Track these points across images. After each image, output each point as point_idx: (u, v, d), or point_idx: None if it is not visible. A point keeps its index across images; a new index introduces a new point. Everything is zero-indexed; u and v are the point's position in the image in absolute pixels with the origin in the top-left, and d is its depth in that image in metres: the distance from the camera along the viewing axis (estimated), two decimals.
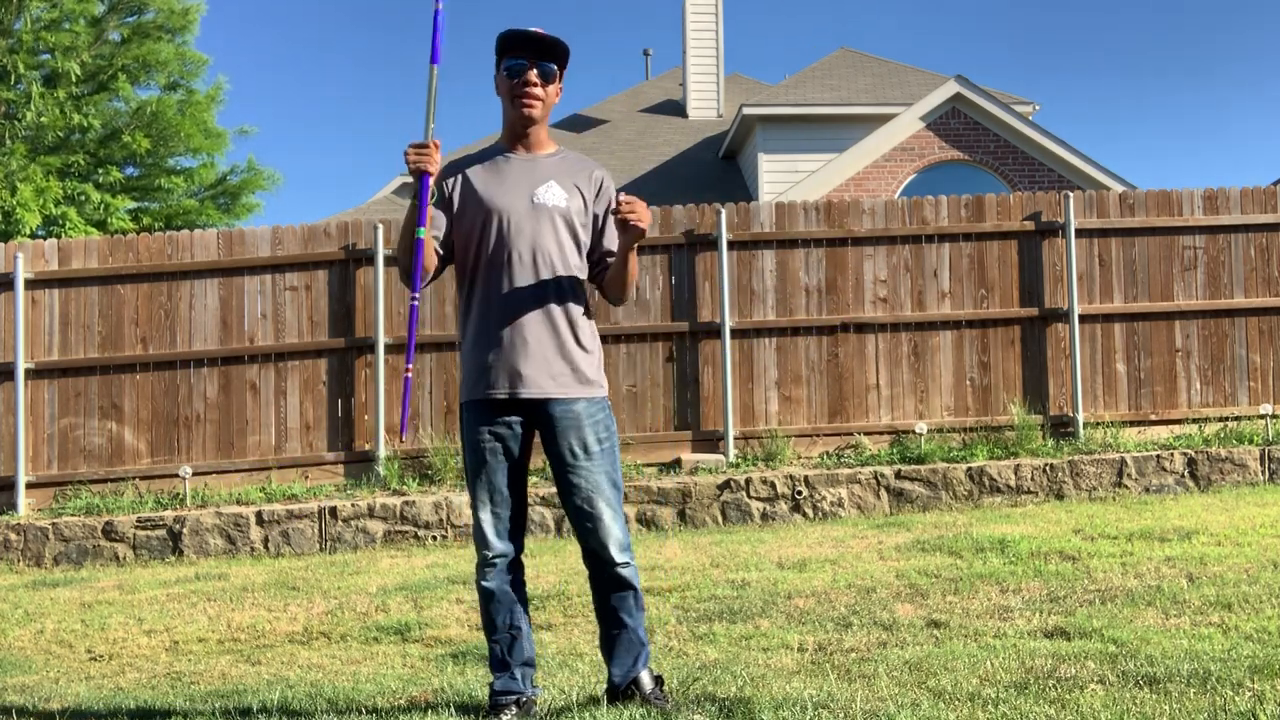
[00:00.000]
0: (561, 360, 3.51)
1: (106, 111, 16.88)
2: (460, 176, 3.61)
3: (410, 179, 3.59)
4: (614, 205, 3.44)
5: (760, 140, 17.19)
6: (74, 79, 16.04)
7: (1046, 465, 8.63)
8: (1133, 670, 3.76)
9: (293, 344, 9.30)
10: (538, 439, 3.58)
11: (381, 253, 9.28)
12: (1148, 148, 62.47)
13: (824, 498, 8.50)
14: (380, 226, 9.39)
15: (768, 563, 6.62)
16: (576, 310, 3.57)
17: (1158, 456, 8.71)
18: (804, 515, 8.45)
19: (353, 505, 8.40)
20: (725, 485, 8.48)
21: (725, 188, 17.71)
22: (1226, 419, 9.42)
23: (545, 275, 3.51)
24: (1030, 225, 9.64)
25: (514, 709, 3.47)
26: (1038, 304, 9.60)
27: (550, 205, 3.55)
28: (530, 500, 7.60)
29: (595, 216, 3.64)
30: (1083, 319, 9.55)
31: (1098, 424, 9.41)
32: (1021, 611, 5.05)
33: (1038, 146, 15.88)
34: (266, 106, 56.67)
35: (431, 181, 3.47)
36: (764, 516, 8.42)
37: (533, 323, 3.49)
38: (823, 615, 5.25)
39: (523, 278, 3.50)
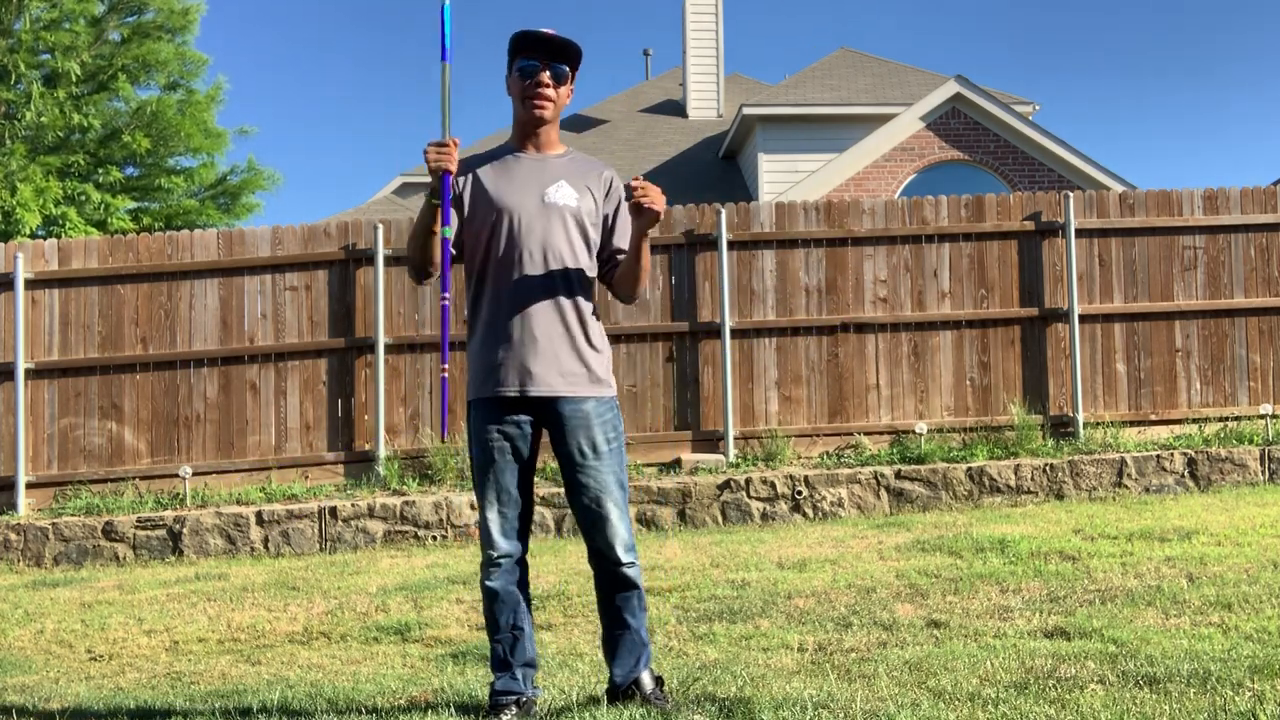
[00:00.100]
0: (573, 359, 3.52)
1: (106, 111, 16.87)
2: (471, 176, 3.61)
3: (427, 177, 3.58)
4: (628, 191, 3.45)
5: (760, 140, 17.19)
6: (74, 79, 16.03)
7: (1046, 465, 8.63)
8: (1133, 670, 3.76)
9: (293, 344, 9.30)
10: (545, 439, 3.58)
11: (381, 253, 9.28)
12: (1148, 148, 62.48)
13: (824, 498, 8.50)
14: (380, 226, 9.39)
15: (768, 563, 6.62)
16: (587, 309, 3.57)
17: (1158, 456, 8.71)
18: (804, 515, 8.45)
19: (353, 505, 8.40)
20: (725, 485, 8.48)
21: (725, 188, 17.72)
22: (1226, 419, 9.42)
23: (556, 274, 3.52)
24: (1030, 225, 9.64)
25: (514, 709, 3.47)
26: (1038, 304, 9.60)
27: (561, 204, 3.55)
28: None
29: (605, 216, 3.65)
30: (1083, 319, 9.55)
31: (1098, 424, 9.41)
32: (1021, 611, 5.05)
33: (1038, 146, 15.88)
34: (266, 106, 56.71)
35: (451, 179, 3.48)
36: (764, 516, 8.42)
37: (544, 321, 3.50)
38: (823, 615, 5.25)
39: (534, 276, 3.51)
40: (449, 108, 3.52)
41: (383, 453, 9.12)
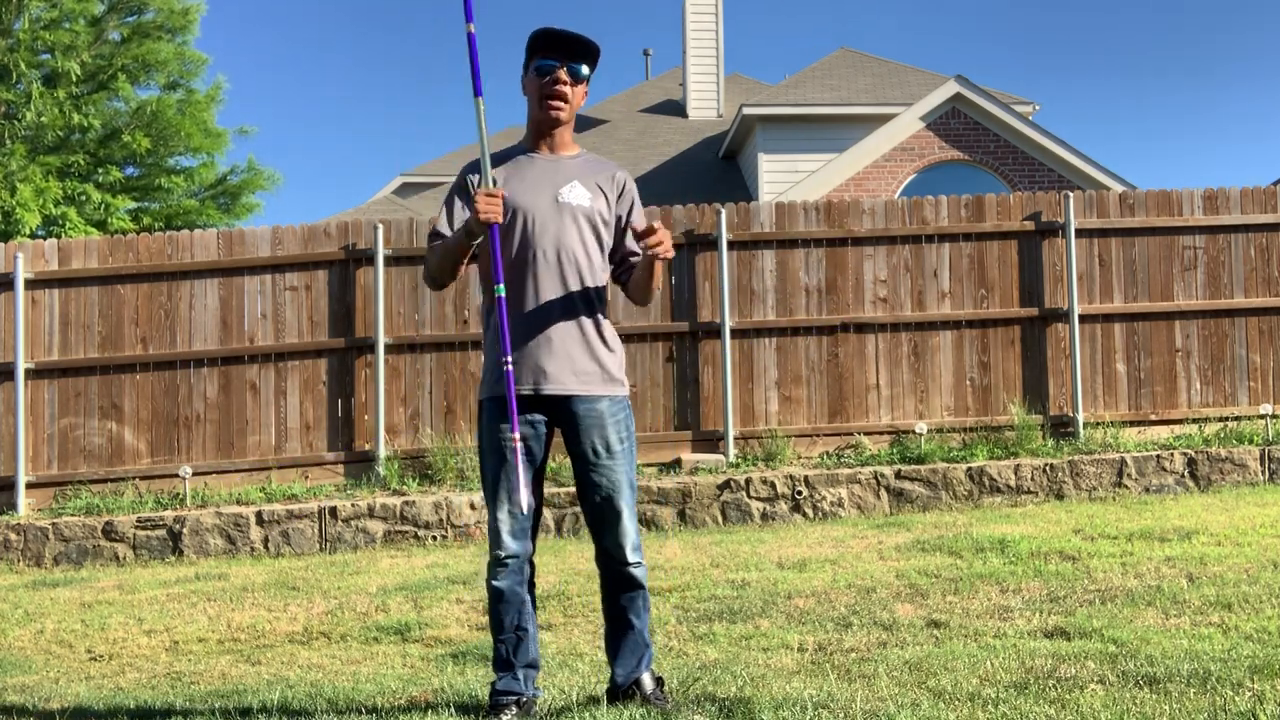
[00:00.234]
0: (587, 358, 3.53)
1: (106, 111, 16.87)
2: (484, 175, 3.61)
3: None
4: (639, 231, 3.47)
5: (760, 140, 17.19)
6: (74, 79, 16.03)
7: (1046, 465, 8.63)
8: (1133, 670, 3.76)
9: (293, 344, 9.30)
10: (558, 438, 3.58)
11: (381, 253, 9.28)
12: (1148, 148, 62.49)
13: (824, 498, 8.50)
14: (380, 226, 9.39)
15: (768, 563, 6.62)
16: (600, 309, 3.59)
17: (1158, 456, 8.71)
18: (804, 515, 8.45)
19: (353, 505, 8.40)
20: (725, 485, 8.48)
21: (725, 188, 17.71)
22: (1226, 419, 9.42)
23: (570, 274, 3.52)
24: (1030, 225, 9.64)
25: (514, 709, 3.47)
26: (1038, 304, 9.60)
27: (574, 205, 3.56)
28: None
29: (619, 217, 3.66)
30: (1083, 319, 9.55)
31: (1098, 424, 9.41)
32: (1021, 611, 5.05)
33: (1038, 146, 15.87)
34: (266, 106, 56.71)
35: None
36: (764, 516, 8.42)
37: (558, 320, 3.50)
38: (823, 615, 5.25)
39: (547, 276, 3.51)
40: (487, 147, 3.47)
41: (383, 453, 9.12)
